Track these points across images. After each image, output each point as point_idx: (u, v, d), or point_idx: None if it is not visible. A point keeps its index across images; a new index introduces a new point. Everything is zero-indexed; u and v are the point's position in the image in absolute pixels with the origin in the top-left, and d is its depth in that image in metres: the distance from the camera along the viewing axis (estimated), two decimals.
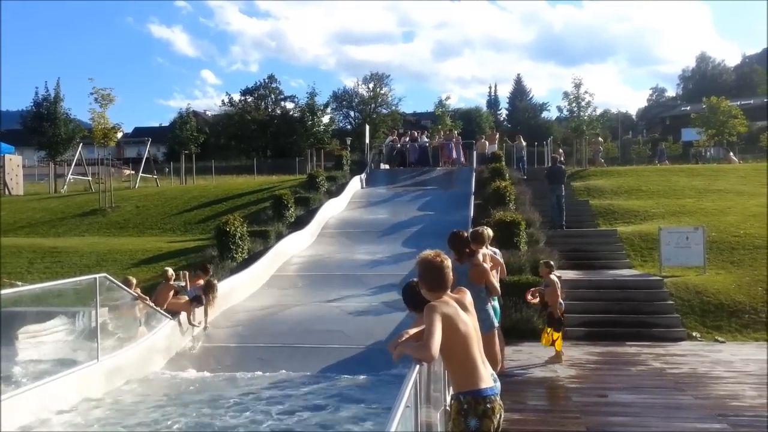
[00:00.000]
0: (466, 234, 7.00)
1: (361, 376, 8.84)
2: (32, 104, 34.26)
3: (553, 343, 8.93)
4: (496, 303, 7.32)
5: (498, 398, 3.59)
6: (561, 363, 8.89)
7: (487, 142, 27.50)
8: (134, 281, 10.40)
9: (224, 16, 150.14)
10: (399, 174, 25.13)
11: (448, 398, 4.51)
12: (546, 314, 9.08)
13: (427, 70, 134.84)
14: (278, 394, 8.27)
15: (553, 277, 9.04)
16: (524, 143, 25.85)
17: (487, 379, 3.57)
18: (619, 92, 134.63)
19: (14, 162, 33.08)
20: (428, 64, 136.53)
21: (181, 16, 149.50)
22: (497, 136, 29.47)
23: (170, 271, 10.95)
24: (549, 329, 8.94)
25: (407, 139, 28.09)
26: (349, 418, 7.35)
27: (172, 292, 10.58)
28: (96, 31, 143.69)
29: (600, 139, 33.21)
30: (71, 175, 34.70)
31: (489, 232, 7.69)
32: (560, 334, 8.90)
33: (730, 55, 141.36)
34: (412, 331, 3.68)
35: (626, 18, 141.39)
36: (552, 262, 9.42)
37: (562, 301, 8.99)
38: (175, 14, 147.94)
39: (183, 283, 10.95)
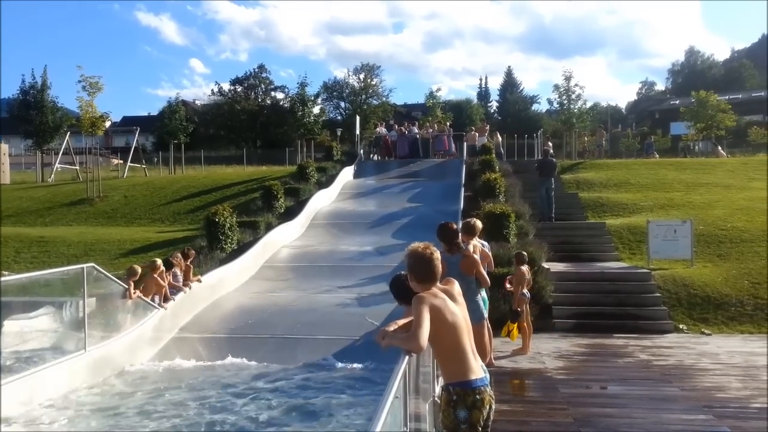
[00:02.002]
0: (455, 225, 7.01)
1: (351, 367, 8.84)
2: (19, 92, 33.84)
3: (510, 335, 8.97)
4: (484, 294, 7.34)
5: (488, 389, 3.59)
6: (525, 354, 8.97)
7: (477, 134, 27.56)
8: (139, 270, 10.28)
9: (212, 5, 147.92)
10: (389, 165, 25.10)
11: (438, 389, 4.52)
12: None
13: (417, 61, 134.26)
14: (267, 384, 8.26)
15: (522, 268, 9.09)
16: (500, 138, 26.44)
17: (477, 370, 3.56)
18: (609, 85, 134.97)
19: (1, 150, 32.71)
20: (419, 55, 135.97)
21: (168, 4, 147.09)
22: (487, 127, 29.52)
23: (158, 261, 10.61)
24: (508, 321, 9.01)
25: (392, 131, 28.11)
26: (339, 409, 7.36)
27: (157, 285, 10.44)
28: (82, 18, 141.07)
29: (603, 131, 33.39)
30: (58, 164, 34.41)
31: (479, 223, 7.70)
32: (515, 325, 8.94)
33: (718, 49, 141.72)
34: (401, 321, 3.68)
35: (615, 11, 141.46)
36: (524, 254, 9.46)
37: (526, 293, 9.06)
38: (162, 2, 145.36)
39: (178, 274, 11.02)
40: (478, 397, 3.49)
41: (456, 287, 3.72)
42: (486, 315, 7.08)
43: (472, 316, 6.23)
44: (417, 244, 3.66)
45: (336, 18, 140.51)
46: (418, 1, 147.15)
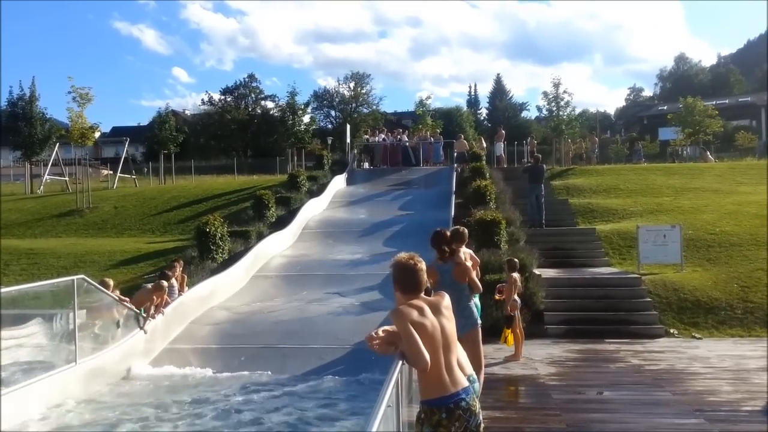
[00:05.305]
0: (448, 233, 7.03)
1: (343, 376, 8.84)
2: (7, 103, 33.69)
3: (506, 341, 9.01)
4: (477, 300, 7.36)
5: (467, 402, 3.46)
6: (518, 360, 8.98)
7: (466, 142, 27.91)
8: (111, 283, 10.26)
9: (193, 14, 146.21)
10: (380, 173, 25.14)
11: None
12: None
13: (404, 69, 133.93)
14: (260, 395, 8.23)
15: (514, 275, 9.14)
16: (466, 145, 27.26)
17: (453, 384, 3.46)
18: (597, 91, 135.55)
19: None
20: (405, 62, 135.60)
21: (147, 14, 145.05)
22: (503, 133, 29.65)
23: (165, 284, 10.48)
24: (505, 327, 9.05)
25: (379, 138, 28.21)
26: (331, 418, 7.36)
27: (156, 298, 10.37)
28: (64, 29, 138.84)
29: (596, 138, 33.57)
30: (48, 175, 34.20)
31: (466, 231, 7.75)
32: (509, 331, 8.97)
33: (703, 53, 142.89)
34: (389, 327, 3.65)
35: (595, 16, 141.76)
36: (515, 260, 9.51)
37: (517, 299, 9.10)
38: (142, 12, 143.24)
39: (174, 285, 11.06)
40: (443, 415, 3.41)
41: (446, 301, 3.64)
42: (480, 321, 7.09)
43: (466, 322, 6.28)
44: (402, 255, 3.62)
45: (320, 26, 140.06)
46: (402, 9, 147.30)
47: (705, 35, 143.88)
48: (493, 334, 9.34)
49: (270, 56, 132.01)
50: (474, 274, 6.94)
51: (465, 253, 7.21)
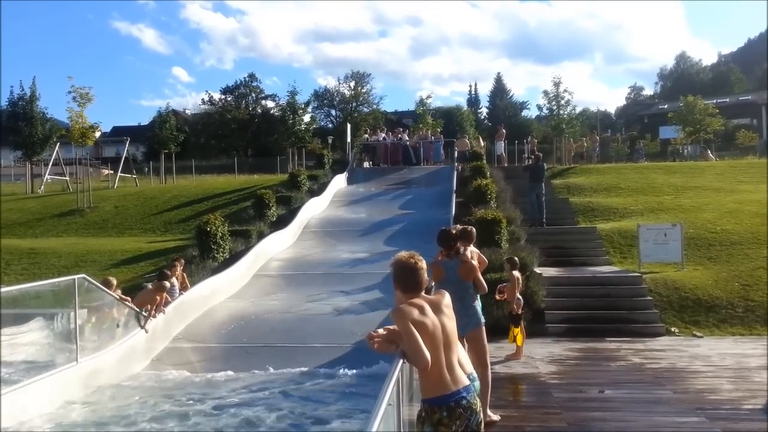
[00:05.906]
0: (454, 231, 7.04)
1: (344, 375, 8.84)
2: (7, 103, 33.70)
3: (514, 340, 9.04)
4: (478, 299, 7.37)
5: (467, 400, 3.47)
6: (519, 359, 8.99)
7: (467, 141, 27.87)
8: (114, 281, 10.27)
9: (194, 14, 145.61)
10: (380, 172, 25.13)
11: None
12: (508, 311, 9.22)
13: (404, 68, 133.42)
14: (261, 394, 8.24)
15: (515, 273, 9.15)
16: (468, 144, 27.25)
17: (454, 383, 3.46)
18: (597, 90, 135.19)
19: None
20: (405, 62, 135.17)
21: (146, 14, 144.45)
22: (504, 132, 29.65)
23: (167, 283, 10.54)
24: (511, 326, 9.06)
25: (379, 137, 28.24)
26: (331, 417, 7.35)
27: (158, 298, 10.36)
28: (63, 29, 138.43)
29: (597, 137, 33.54)
30: (48, 175, 34.22)
31: (474, 230, 7.75)
32: (518, 329, 8.99)
33: (703, 53, 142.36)
34: (390, 327, 3.65)
35: (596, 15, 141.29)
36: (516, 258, 9.54)
37: (520, 297, 9.12)
38: (141, 12, 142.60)
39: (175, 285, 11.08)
40: (444, 414, 3.41)
41: (446, 299, 3.63)
42: (483, 320, 7.10)
43: (470, 321, 6.29)
44: (402, 254, 3.61)
45: (320, 25, 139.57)
46: (402, 8, 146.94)
47: (705, 34, 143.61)
48: (494, 333, 9.32)
49: (270, 56, 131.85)
50: (479, 273, 6.95)
51: (473, 252, 7.20)
